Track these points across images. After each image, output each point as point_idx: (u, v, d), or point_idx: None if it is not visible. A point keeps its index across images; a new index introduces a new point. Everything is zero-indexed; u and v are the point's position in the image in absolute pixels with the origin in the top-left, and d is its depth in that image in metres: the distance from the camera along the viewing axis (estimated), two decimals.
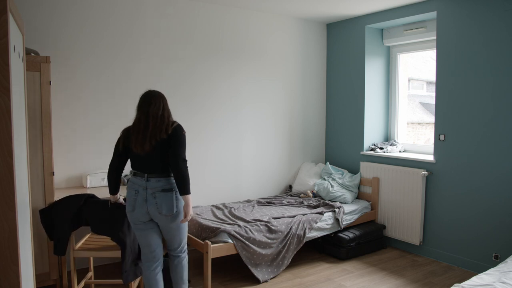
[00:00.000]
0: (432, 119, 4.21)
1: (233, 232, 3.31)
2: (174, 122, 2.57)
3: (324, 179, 4.54)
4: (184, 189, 2.52)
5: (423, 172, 3.89)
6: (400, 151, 4.40)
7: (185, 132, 2.56)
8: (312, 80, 4.90)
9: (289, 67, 4.71)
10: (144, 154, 2.48)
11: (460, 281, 2.97)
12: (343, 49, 4.74)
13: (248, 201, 4.30)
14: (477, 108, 3.53)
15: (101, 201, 2.73)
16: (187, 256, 2.76)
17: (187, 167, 2.53)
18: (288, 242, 3.54)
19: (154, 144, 2.45)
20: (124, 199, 2.71)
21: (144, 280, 2.69)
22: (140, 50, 3.77)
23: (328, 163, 4.72)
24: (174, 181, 2.54)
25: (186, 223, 2.65)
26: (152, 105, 2.51)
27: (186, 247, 2.74)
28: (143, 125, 2.48)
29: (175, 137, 2.49)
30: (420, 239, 3.97)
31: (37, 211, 2.80)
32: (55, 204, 2.76)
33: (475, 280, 2.31)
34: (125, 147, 2.56)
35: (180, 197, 2.56)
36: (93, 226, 2.69)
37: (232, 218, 3.66)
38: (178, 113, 3.99)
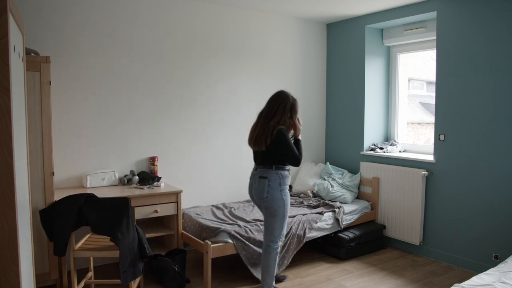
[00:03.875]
0: (432, 119, 4.21)
1: (233, 232, 3.31)
2: (276, 127, 2.87)
3: (324, 179, 4.54)
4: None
5: (423, 172, 3.89)
6: (400, 151, 4.40)
7: (285, 133, 2.87)
8: (312, 80, 4.90)
9: (289, 67, 4.71)
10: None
11: (460, 281, 2.97)
12: (343, 49, 4.74)
13: (248, 201, 4.30)
14: (477, 108, 3.53)
15: (101, 201, 2.73)
16: (275, 251, 3.02)
17: (297, 157, 2.89)
18: (288, 242, 3.53)
19: (258, 148, 2.92)
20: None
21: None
22: (139, 50, 3.77)
23: (328, 163, 4.72)
24: (272, 172, 2.92)
25: (283, 220, 2.98)
26: (265, 111, 2.96)
27: (278, 241, 3.02)
28: (254, 128, 3.00)
29: (277, 143, 2.86)
30: (420, 239, 3.97)
31: (37, 211, 2.80)
32: (55, 204, 2.76)
33: (475, 280, 2.31)
34: None
35: (276, 187, 2.91)
36: (93, 226, 2.69)
37: (232, 218, 3.66)
38: (178, 113, 4.00)
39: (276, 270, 3.10)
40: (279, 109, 2.92)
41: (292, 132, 3.02)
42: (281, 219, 2.98)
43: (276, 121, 2.89)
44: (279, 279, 3.39)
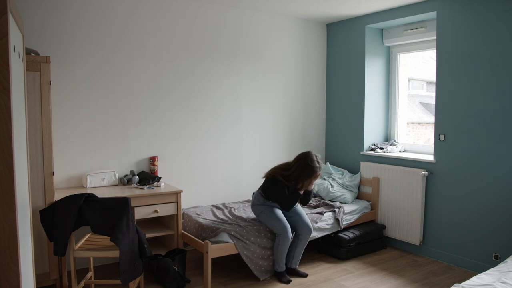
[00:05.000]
0: (432, 119, 4.21)
1: (233, 232, 3.31)
2: (273, 174, 3.40)
3: (324, 179, 4.54)
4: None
5: (423, 172, 3.89)
6: (400, 151, 4.40)
7: (274, 182, 3.38)
8: (312, 80, 4.90)
9: (289, 67, 4.71)
10: None
11: (460, 281, 2.97)
12: (343, 49, 4.74)
13: (248, 201, 4.30)
14: (477, 108, 3.53)
15: (101, 201, 2.73)
16: (277, 240, 3.38)
17: (282, 203, 3.43)
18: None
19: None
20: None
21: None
22: (139, 51, 3.77)
23: (328, 163, 4.72)
24: (256, 193, 3.54)
25: (266, 221, 3.42)
26: (291, 162, 3.43)
27: (276, 232, 3.41)
28: None
29: (266, 182, 3.49)
30: (420, 239, 3.97)
31: (37, 211, 2.80)
32: (55, 204, 2.76)
33: (475, 280, 2.31)
34: None
35: (252, 203, 3.56)
36: (93, 226, 2.69)
37: (232, 218, 3.66)
38: (178, 114, 4.01)
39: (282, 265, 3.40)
40: (295, 165, 3.34)
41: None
42: (265, 221, 3.44)
43: (288, 173, 3.34)
44: (298, 273, 3.53)
